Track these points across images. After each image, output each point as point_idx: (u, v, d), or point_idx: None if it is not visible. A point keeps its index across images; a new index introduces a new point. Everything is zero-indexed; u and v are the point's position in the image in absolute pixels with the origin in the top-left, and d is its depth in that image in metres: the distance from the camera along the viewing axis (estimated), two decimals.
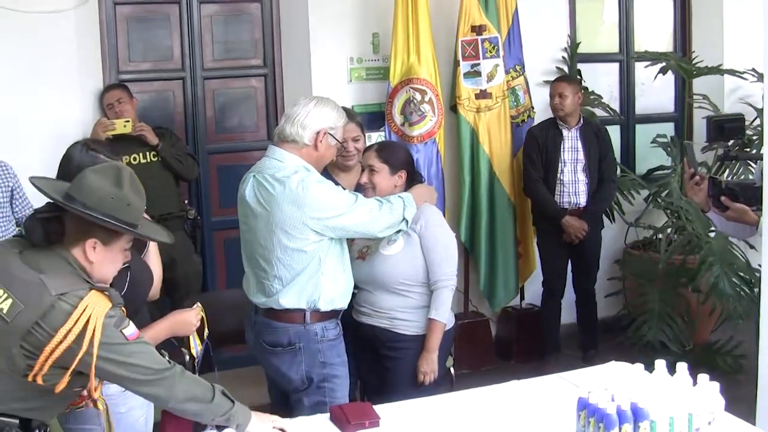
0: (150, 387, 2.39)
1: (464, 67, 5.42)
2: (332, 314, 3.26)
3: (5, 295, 2.27)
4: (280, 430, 2.60)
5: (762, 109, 5.88)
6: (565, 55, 6.06)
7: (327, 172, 3.54)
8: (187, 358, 3.44)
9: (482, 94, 5.44)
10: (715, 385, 2.38)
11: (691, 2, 6.64)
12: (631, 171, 6.25)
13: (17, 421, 2.35)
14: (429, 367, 3.46)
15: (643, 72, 6.52)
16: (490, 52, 5.43)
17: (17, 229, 4.31)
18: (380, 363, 3.55)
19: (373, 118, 5.37)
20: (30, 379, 2.27)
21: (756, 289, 5.10)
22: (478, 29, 5.40)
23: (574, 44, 6.09)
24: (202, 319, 2.92)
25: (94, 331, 2.24)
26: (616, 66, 6.57)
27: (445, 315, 3.48)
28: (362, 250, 3.55)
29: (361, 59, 5.48)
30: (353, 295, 3.40)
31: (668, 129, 6.53)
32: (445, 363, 3.63)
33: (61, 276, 2.30)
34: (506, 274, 5.59)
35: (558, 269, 5.51)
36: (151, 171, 4.77)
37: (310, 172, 3.17)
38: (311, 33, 5.33)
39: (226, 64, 5.57)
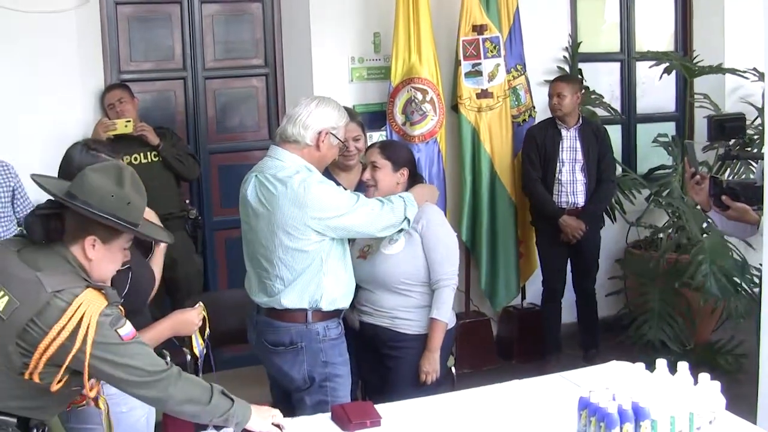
0: (144, 389, 2.38)
1: (465, 66, 5.42)
2: (334, 314, 3.27)
3: (1, 293, 2.28)
4: (278, 426, 2.59)
5: (763, 108, 5.88)
6: (566, 55, 6.06)
7: (327, 171, 3.54)
8: (189, 358, 3.45)
9: (483, 94, 5.44)
10: (716, 385, 2.39)
11: (692, 1, 6.63)
12: (632, 170, 6.26)
13: (15, 420, 2.34)
14: (430, 366, 3.46)
15: (644, 71, 6.52)
16: (492, 51, 5.43)
17: (19, 229, 4.31)
18: (381, 362, 3.56)
19: (375, 117, 5.38)
20: (27, 377, 2.27)
21: (756, 289, 5.11)
22: (479, 29, 5.40)
23: (575, 44, 6.09)
24: (203, 319, 2.93)
25: (87, 328, 2.23)
26: (617, 65, 6.57)
27: (446, 314, 3.48)
28: (364, 249, 3.55)
29: (363, 59, 5.48)
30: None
31: (669, 128, 6.52)
32: (447, 362, 3.63)
33: (58, 274, 2.30)
34: (507, 274, 5.59)
35: (557, 269, 5.51)
36: (152, 171, 4.77)
37: (311, 173, 3.18)
38: (312, 33, 5.33)
39: (228, 63, 5.57)
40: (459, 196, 5.53)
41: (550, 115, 5.43)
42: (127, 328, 2.34)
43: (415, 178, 3.59)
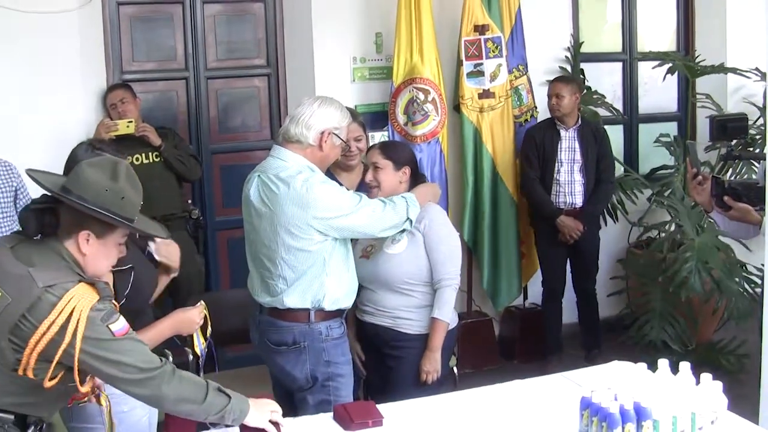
0: (137, 387, 2.35)
1: (467, 66, 5.42)
2: (337, 313, 3.27)
3: None
4: (275, 423, 2.57)
5: (765, 108, 5.88)
6: (568, 55, 6.06)
7: (329, 171, 3.54)
8: (191, 357, 3.45)
9: (485, 94, 5.44)
10: (718, 385, 2.38)
11: (694, 1, 6.63)
12: (634, 170, 6.26)
13: (12, 417, 2.33)
14: (432, 366, 3.46)
15: (646, 71, 6.52)
16: (493, 51, 5.43)
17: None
18: (383, 362, 3.56)
19: (376, 117, 5.38)
20: (20, 373, 2.26)
21: (758, 289, 5.11)
22: (481, 29, 5.40)
23: (577, 44, 6.09)
24: (205, 317, 2.93)
25: (77, 323, 2.22)
26: (619, 65, 6.57)
27: (448, 314, 3.48)
28: (366, 249, 3.55)
29: (364, 59, 5.48)
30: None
31: (671, 128, 6.52)
32: (448, 362, 3.63)
33: (52, 269, 2.29)
34: (509, 274, 5.59)
35: (556, 269, 5.51)
36: (154, 172, 4.78)
37: (314, 173, 3.18)
38: (314, 33, 5.33)
39: (230, 63, 5.58)
40: (461, 197, 5.53)
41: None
42: (119, 324, 2.31)
43: (417, 177, 3.59)
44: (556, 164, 5.34)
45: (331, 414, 2.80)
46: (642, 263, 5.72)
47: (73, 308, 2.23)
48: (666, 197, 5.79)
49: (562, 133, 5.34)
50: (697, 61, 6.31)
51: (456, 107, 5.53)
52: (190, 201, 5.20)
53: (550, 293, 5.55)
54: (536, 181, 5.36)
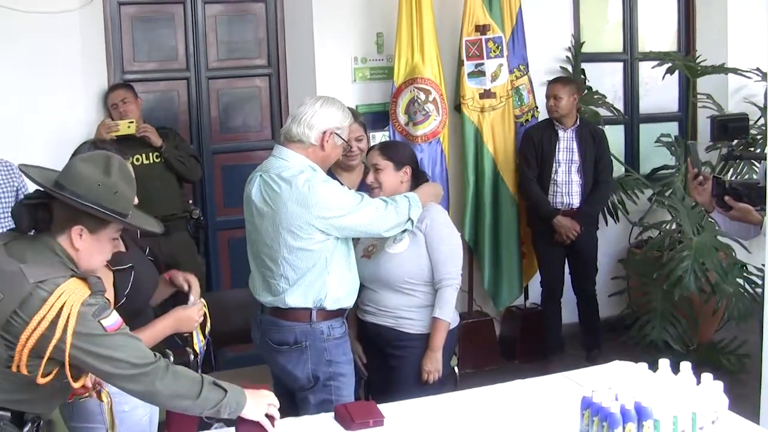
0: (131, 383, 2.33)
1: (468, 66, 5.42)
2: (338, 313, 3.27)
3: None
4: (270, 417, 2.54)
5: (766, 108, 5.88)
6: (569, 55, 6.06)
7: (330, 171, 3.55)
8: (192, 357, 3.45)
9: (486, 94, 5.44)
10: (719, 384, 2.39)
11: (695, 1, 6.63)
12: (635, 170, 6.26)
13: (9, 414, 2.33)
14: (433, 366, 3.46)
15: (647, 71, 6.52)
16: (494, 51, 5.43)
17: None
18: (385, 362, 3.56)
19: (377, 117, 5.38)
20: (14, 369, 2.25)
21: (758, 289, 5.11)
22: (482, 29, 5.40)
23: (578, 44, 6.09)
24: (204, 315, 2.93)
25: (68, 318, 2.20)
26: (620, 65, 6.57)
27: (449, 314, 3.48)
28: (368, 248, 3.56)
29: (365, 59, 5.48)
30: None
31: (672, 128, 6.52)
32: (450, 362, 3.63)
33: (44, 265, 2.28)
34: (510, 274, 5.59)
35: (554, 269, 5.52)
36: (155, 172, 4.79)
37: (316, 172, 3.18)
38: (315, 33, 5.33)
39: (231, 63, 5.58)
40: (462, 196, 5.54)
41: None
42: (111, 319, 2.29)
43: (419, 176, 3.59)
44: (554, 164, 5.34)
45: (332, 414, 2.80)
46: (642, 263, 5.72)
47: (64, 303, 2.21)
48: (667, 197, 5.79)
49: (560, 133, 5.35)
50: (697, 61, 6.30)
51: (457, 107, 5.53)
52: (191, 201, 5.20)
53: (549, 293, 5.56)
54: (533, 180, 5.37)
